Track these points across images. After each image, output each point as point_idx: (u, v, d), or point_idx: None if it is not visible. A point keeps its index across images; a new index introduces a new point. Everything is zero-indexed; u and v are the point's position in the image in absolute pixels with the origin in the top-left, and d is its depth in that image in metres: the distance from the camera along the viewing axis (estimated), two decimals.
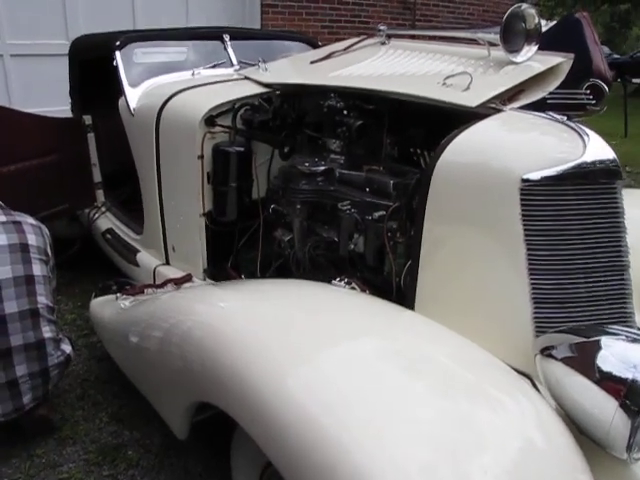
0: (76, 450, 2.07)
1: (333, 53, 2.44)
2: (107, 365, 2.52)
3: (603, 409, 1.07)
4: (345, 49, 2.46)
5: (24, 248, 1.97)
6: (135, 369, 1.84)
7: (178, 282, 2.30)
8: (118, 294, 2.17)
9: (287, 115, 2.18)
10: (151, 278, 2.54)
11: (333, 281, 1.56)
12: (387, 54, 2.25)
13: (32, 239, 2.02)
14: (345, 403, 1.02)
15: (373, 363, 1.13)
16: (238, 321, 1.30)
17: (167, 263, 2.55)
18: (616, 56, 22.61)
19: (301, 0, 6.20)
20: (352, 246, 1.81)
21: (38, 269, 2.00)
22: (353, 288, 1.54)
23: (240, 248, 2.37)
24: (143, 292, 2.21)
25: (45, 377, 2.00)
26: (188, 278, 2.35)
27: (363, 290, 1.56)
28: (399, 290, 1.66)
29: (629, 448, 1.06)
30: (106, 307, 2.19)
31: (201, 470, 1.97)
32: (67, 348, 2.11)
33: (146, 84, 2.58)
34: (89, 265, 3.37)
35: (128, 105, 2.53)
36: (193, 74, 2.64)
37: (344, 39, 2.68)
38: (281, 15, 6.11)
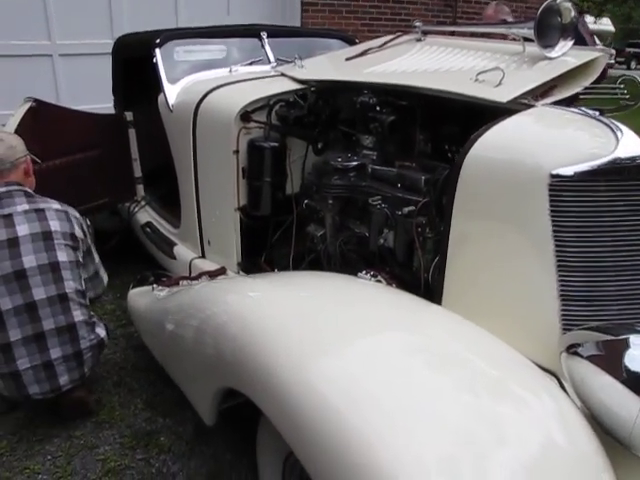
0: (112, 434, 2.14)
1: (368, 50, 2.45)
2: (143, 354, 2.59)
3: (629, 409, 1.05)
4: (380, 46, 2.47)
5: (47, 236, 2.02)
6: (168, 357, 1.89)
7: (212, 275, 2.36)
8: (154, 285, 2.24)
9: (321, 111, 2.19)
10: (187, 270, 2.60)
11: (359, 274, 1.58)
12: (422, 51, 2.25)
13: (55, 225, 2.05)
14: (370, 397, 1.03)
15: (398, 357, 1.14)
16: (265, 310, 1.33)
17: (203, 256, 2.61)
18: None
19: None
20: (382, 241, 1.81)
21: (64, 255, 2.04)
22: (379, 281, 1.55)
23: (274, 243, 2.41)
24: (178, 284, 2.27)
25: (79, 359, 2.07)
26: (222, 271, 2.40)
27: (389, 284, 1.56)
28: (427, 285, 1.66)
29: None
30: (143, 297, 2.26)
31: (230, 458, 2.02)
32: (101, 332, 2.18)
33: (184, 81, 2.64)
34: (129, 257, 3.47)
35: (167, 101, 2.60)
36: (230, 71, 2.69)
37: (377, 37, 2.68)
38: (321, 13, 6.13)
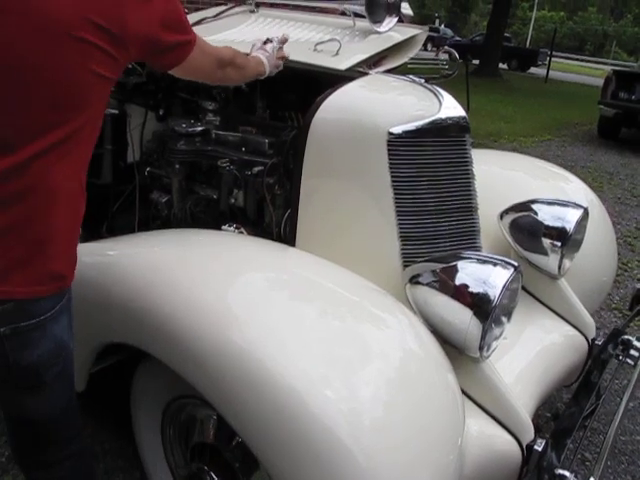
0: None
1: (204, 19, 2.48)
2: None
3: (461, 319, 1.30)
4: (215, 16, 2.50)
5: None
6: None
7: None
8: None
9: (161, 79, 2.19)
10: None
11: (223, 227, 1.66)
12: (258, 22, 2.34)
13: None
14: (255, 327, 1.14)
15: (270, 292, 1.26)
16: (147, 263, 1.36)
17: None
18: (458, 39, 24.85)
19: None
20: (232, 200, 1.90)
21: None
22: (241, 232, 1.65)
23: (115, 213, 2.35)
24: None
25: None
26: None
27: (250, 234, 1.67)
28: (279, 237, 1.79)
29: (480, 348, 1.30)
30: None
31: (90, 431, 1.98)
32: None
33: None
34: None
35: None
36: None
37: (203, 9, 2.72)
38: None
